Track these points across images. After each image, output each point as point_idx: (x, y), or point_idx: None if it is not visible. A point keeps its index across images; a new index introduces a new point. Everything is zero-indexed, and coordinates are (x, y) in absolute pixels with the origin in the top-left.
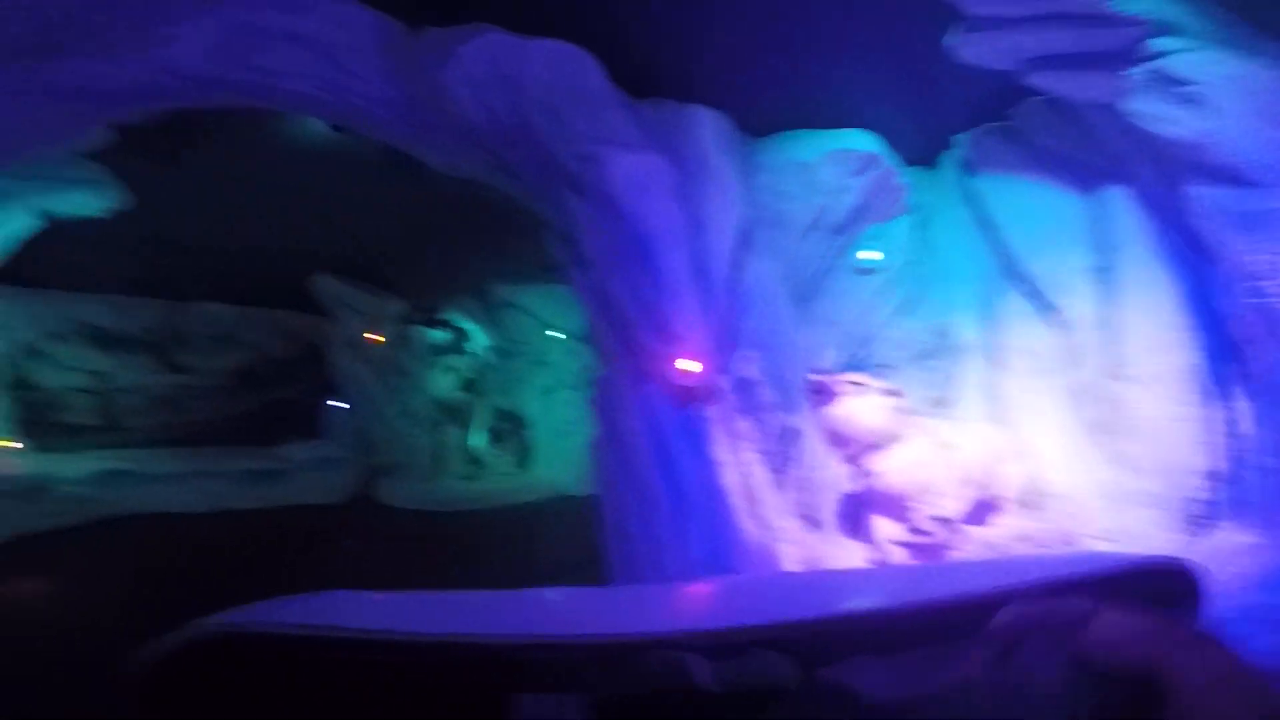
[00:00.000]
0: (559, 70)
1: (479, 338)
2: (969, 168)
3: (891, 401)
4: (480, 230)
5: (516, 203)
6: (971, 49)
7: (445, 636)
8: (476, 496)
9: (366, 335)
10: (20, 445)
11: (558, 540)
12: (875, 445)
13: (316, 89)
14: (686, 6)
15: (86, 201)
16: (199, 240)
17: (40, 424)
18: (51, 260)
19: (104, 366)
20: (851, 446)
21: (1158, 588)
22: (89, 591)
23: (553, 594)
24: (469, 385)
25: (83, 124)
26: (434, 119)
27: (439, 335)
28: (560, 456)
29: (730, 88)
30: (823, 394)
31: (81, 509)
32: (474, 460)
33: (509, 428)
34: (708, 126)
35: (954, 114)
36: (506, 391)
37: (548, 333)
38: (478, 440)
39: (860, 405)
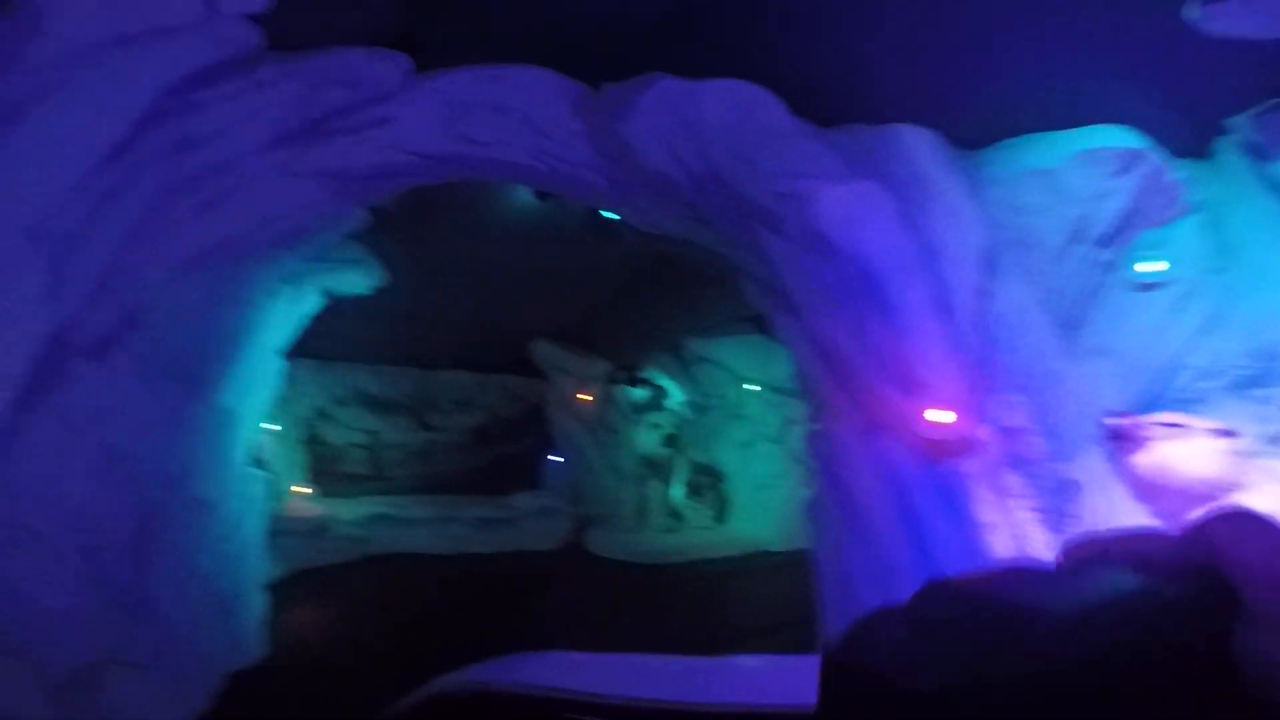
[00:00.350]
0: (739, 110)
1: (675, 394)
2: (1259, 152)
3: (1225, 444)
4: (673, 287)
5: (710, 255)
6: (1219, 21)
7: (656, 703)
8: (676, 549)
9: (578, 395)
10: (310, 491)
11: (756, 597)
12: (1207, 496)
13: (524, 157)
14: (857, 22)
15: (357, 280)
16: (441, 313)
17: (326, 473)
18: (333, 335)
19: (374, 426)
20: (1171, 500)
21: None
22: (358, 618)
23: (753, 662)
24: (670, 440)
25: (345, 204)
26: (626, 175)
27: (639, 393)
28: (758, 511)
29: (928, 101)
30: (1128, 440)
31: (354, 547)
32: (673, 513)
33: (707, 481)
34: (920, 143)
35: (1220, 94)
36: (703, 446)
37: (744, 386)
38: (677, 494)
39: (1183, 450)
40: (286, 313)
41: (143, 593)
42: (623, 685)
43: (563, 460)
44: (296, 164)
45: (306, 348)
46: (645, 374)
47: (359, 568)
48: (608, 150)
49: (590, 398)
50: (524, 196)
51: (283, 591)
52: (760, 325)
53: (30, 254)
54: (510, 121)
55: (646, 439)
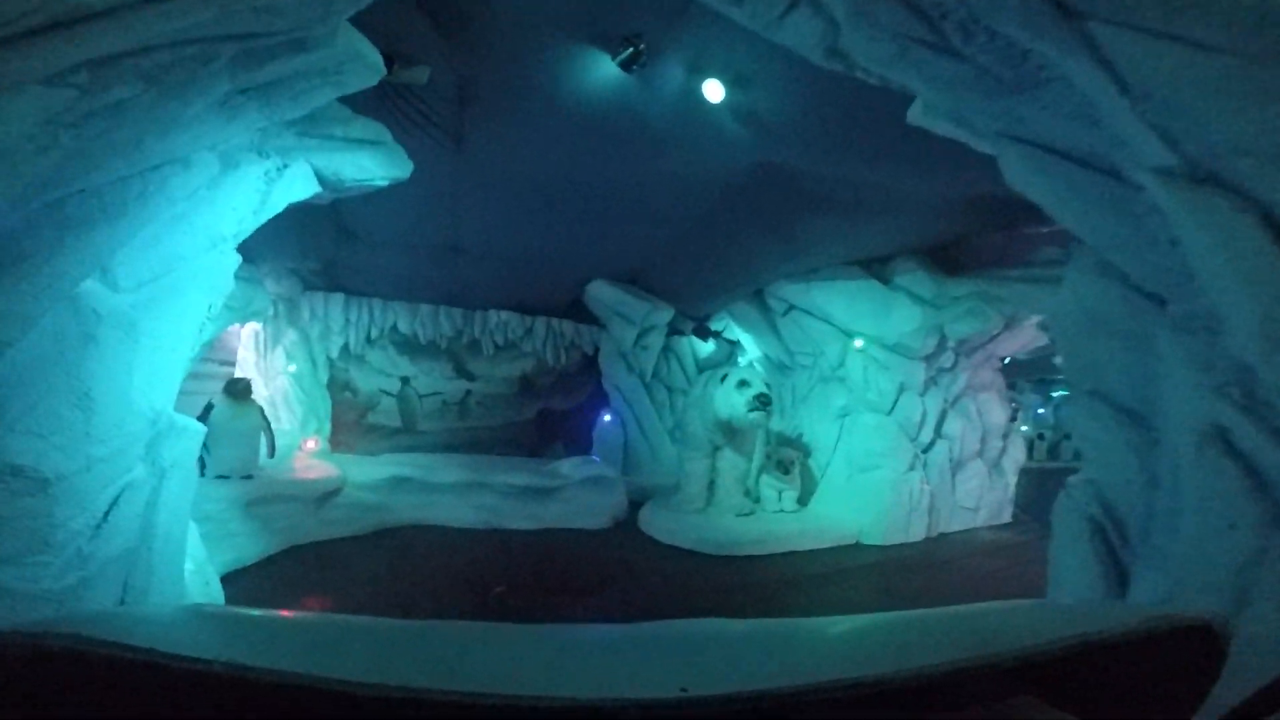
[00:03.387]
0: None
1: (752, 349)
2: None
3: None
4: (769, 215)
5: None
6: None
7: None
8: (753, 538)
9: (638, 346)
10: (316, 446)
11: (849, 601)
12: None
13: None
14: None
15: (371, 165)
16: (483, 229)
17: (353, 425)
18: (364, 266)
19: (408, 371)
20: None
21: (1182, 649)
22: (362, 609)
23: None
24: (762, 402)
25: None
26: None
27: (707, 347)
28: (854, 496)
29: None
30: None
31: (367, 517)
32: (749, 494)
33: (790, 456)
34: None
35: None
36: (788, 413)
37: (849, 340)
38: (755, 471)
39: None
40: (259, 194)
41: None
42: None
43: (613, 420)
44: None
45: (335, 279)
46: (717, 324)
47: (369, 544)
48: None
49: (650, 349)
50: (604, 67)
51: (268, 574)
52: (871, 268)
53: None
54: None
55: (729, 400)
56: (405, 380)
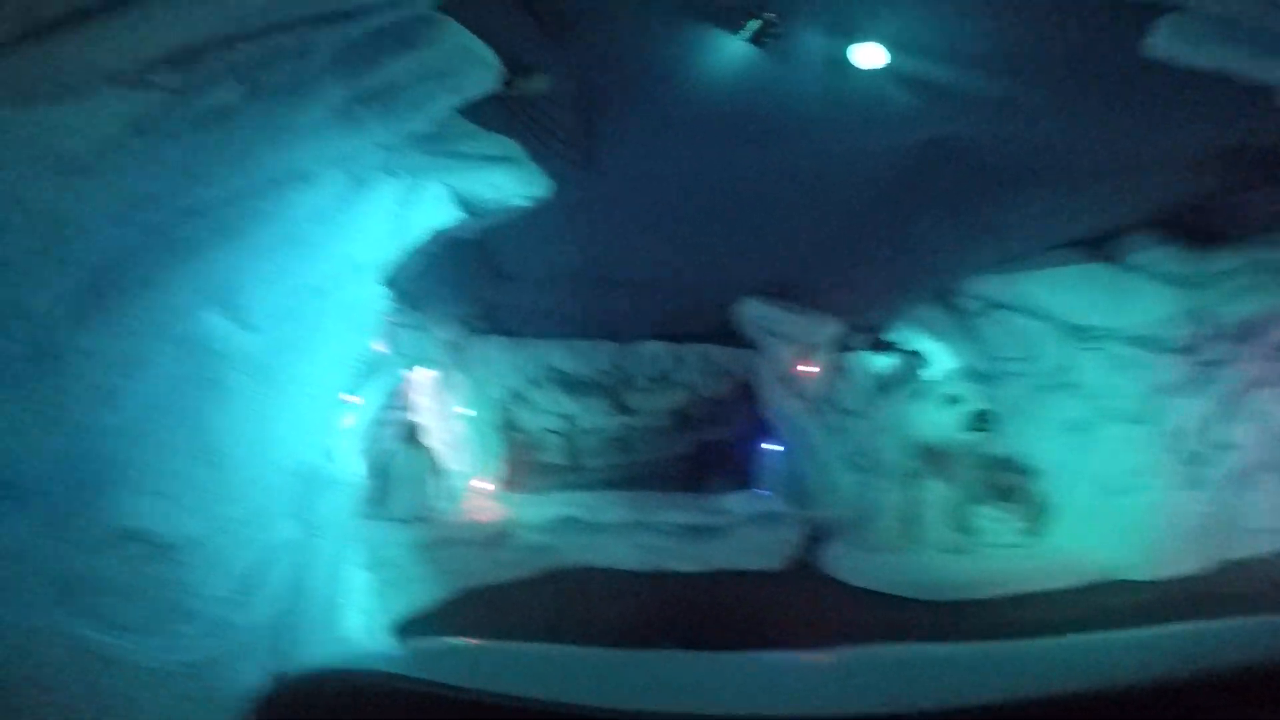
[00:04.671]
0: None
1: (943, 359)
2: None
3: None
4: (954, 199)
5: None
6: None
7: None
8: (966, 578)
9: (799, 367)
10: (492, 488)
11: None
12: None
13: None
14: None
15: (507, 184)
16: (627, 255)
17: (523, 464)
18: (519, 308)
19: (570, 409)
20: None
21: None
22: None
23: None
24: (981, 420)
25: None
26: None
27: (884, 361)
28: (1108, 523)
29: None
30: None
31: (536, 559)
32: (963, 526)
33: (1009, 481)
34: None
35: None
36: (1005, 430)
37: (1078, 339)
38: (971, 499)
39: None
40: (395, 217)
41: None
42: (534, 683)
43: (781, 450)
44: None
45: (496, 322)
46: (894, 334)
47: (539, 587)
48: None
49: (816, 369)
50: (731, 48)
51: (443, 622)
52: (1098, 248)
53: None
54: None
55: (934, 419)
56: (568, 418)
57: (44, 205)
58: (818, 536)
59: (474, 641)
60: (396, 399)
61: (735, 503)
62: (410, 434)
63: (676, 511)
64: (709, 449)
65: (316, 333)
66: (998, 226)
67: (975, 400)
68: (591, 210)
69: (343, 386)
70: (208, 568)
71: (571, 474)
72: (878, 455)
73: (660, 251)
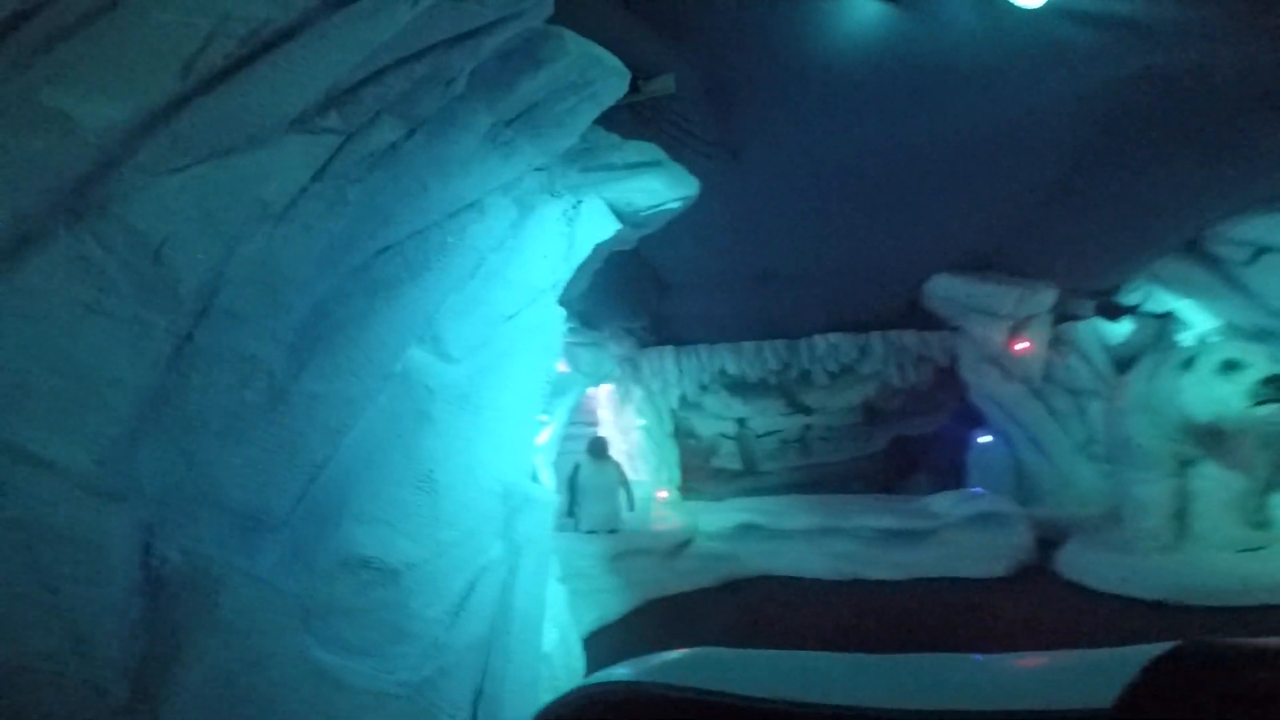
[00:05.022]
0: None
1: (1197, 320)
2: None
3: None
4: (1169, 145)
5: None
6: None
7: (839, 709)
8: (1256, 580)
9: (1012, 344)
10: (667, 497)
11: None
12: None
13: None
14: None
15: (658, 188)
16: (799, 267)
17: (698, 470)
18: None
19: (742, 412)
20: None
21: None
22: None
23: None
24: (1273, 390)
25: None
26: None
27: (1122, 327)
28: None
29: None
30: None
31: (718, 567)
32: (1255, 520)
33: None
34: None
35: None
36: None
37: None
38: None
39: None
40: (563, 237)
41: None
42: (800, 688)
43: (993, 441)
44: None
45: (664, 333)
46: (1130, 297)
47: (721, 596)
48: None
49: (1032, 345)
50: (863, 8)
51: (630, 631)
52: None
53: None
54: None
55: (1213, 392)
56: (741, 422)
57: (258, 256)
58: (1049, 538)
59: (727, 650)
60: (581, 415)
61: (944, 503)
62: (596, 448)
63: (873, 515)
64: (907, 445)
65: (508, 358)
66: (1250, 160)
67: (1261, 364)
68: (744, 206)
69: (535, 407)
70: (425, 591)
71: (748, 479)
72: (1127, 440)
73: (825, 238)
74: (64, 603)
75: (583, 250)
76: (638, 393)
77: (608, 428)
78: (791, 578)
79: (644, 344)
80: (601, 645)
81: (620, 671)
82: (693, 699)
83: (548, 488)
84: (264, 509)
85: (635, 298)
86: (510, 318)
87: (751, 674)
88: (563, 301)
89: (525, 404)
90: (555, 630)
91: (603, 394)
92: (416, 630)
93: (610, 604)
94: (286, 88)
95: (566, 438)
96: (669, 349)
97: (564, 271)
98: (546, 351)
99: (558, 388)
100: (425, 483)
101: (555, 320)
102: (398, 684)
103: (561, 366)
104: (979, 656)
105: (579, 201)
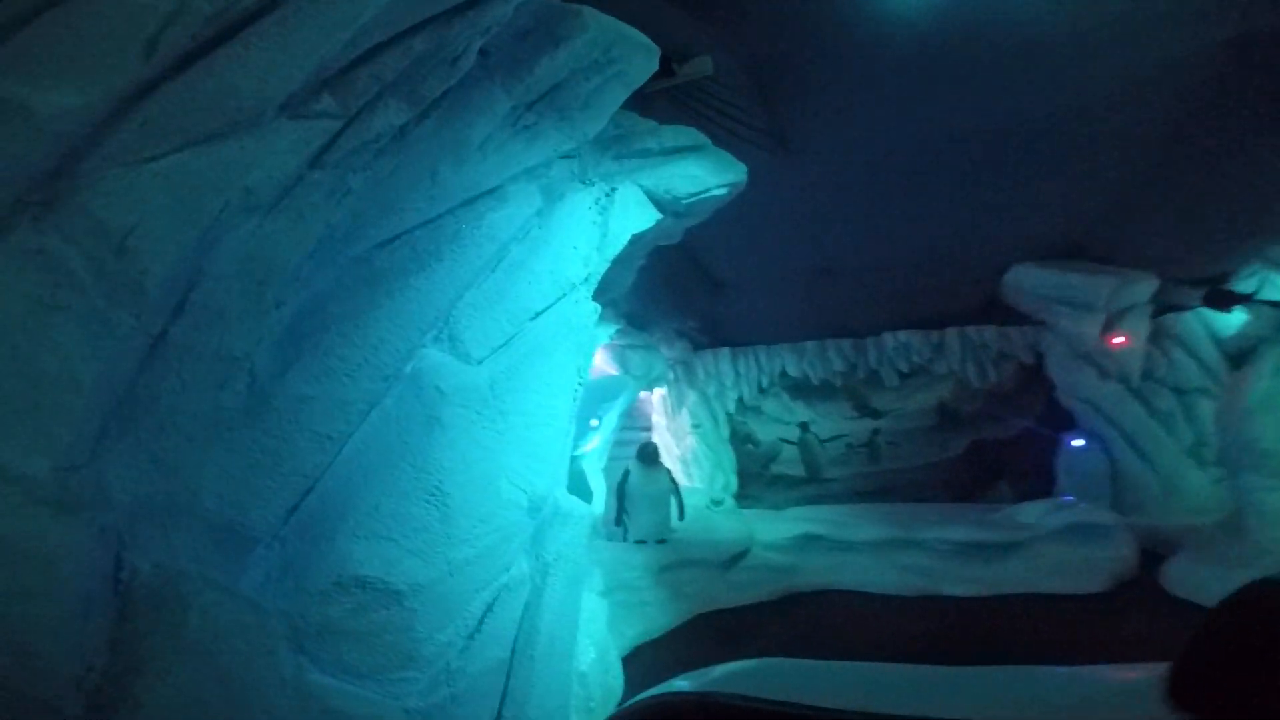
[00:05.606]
0: None
1: None
2: None
3: None
4: None
5: None
6: None
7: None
8: None
9: (1108, 339)
10: (723, 505)
11: None
12: None
13: None
14: None
15: (700, 173)
16: (862, 260)
17: (757, 478)
18: (745, 318)
19: (805, 416)
20: None
21: None
22: None
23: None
24: None
25: None
26: None
27: (1231, 319)
28: None
29: None
30: None
31: (775, 580)
32: None
33: None
34: None
35: None
36: None
37: None
38: None
39: None
40: (595, 226)
41: None
42: (871, 699)
43: (1085, 445)
44: None
45: (719, 335)
46: (1244, 285)
47: (779, 610)
48: None
49: (1129, 339)
50: None
51: (674, 648)
52: None
53: None
54: None
55: None
56: (804, 426)
57: (243, 248)
58: (1153, 551)
59: (792, 660)
60: (633, 420)
61: (1032, 513)
62: (646, 454)
63: (950, 526)
64: (986, 450)
65: (536, 357)
66: None
67: None
68: (799, 197)
69: (567, 411)
70: (435, 613)
71: (810, 487)
72: (1249, 444)
73: (891, 229)
74: (12, 618)
75: (618, 241)
76: (692, 396)
77: (661, 433)
78: (856, 592)
79: (698, 346)
80: (644, 662)
81: (680, 684)
82: (768, 710)
83: (582, 499)
84: (245, 521)
85: (687, 298)
86: (538, 314)
87: (823, 685)
88: (608, 301)
89: (555, 407)
90: (593, 648)
91: (656, 398)
92: (426, 654)
93: (656, 618)
94: (266, 70)
95: (617, 443)
96: (725, 351)
97: (597, 264)
98: (579, 350)
99: (607, 392)
100: (435, 496)
101: (588, 316)
102: (404, 711)
103: (611, 369)
104: (1068, 669)
105: (612, 189)
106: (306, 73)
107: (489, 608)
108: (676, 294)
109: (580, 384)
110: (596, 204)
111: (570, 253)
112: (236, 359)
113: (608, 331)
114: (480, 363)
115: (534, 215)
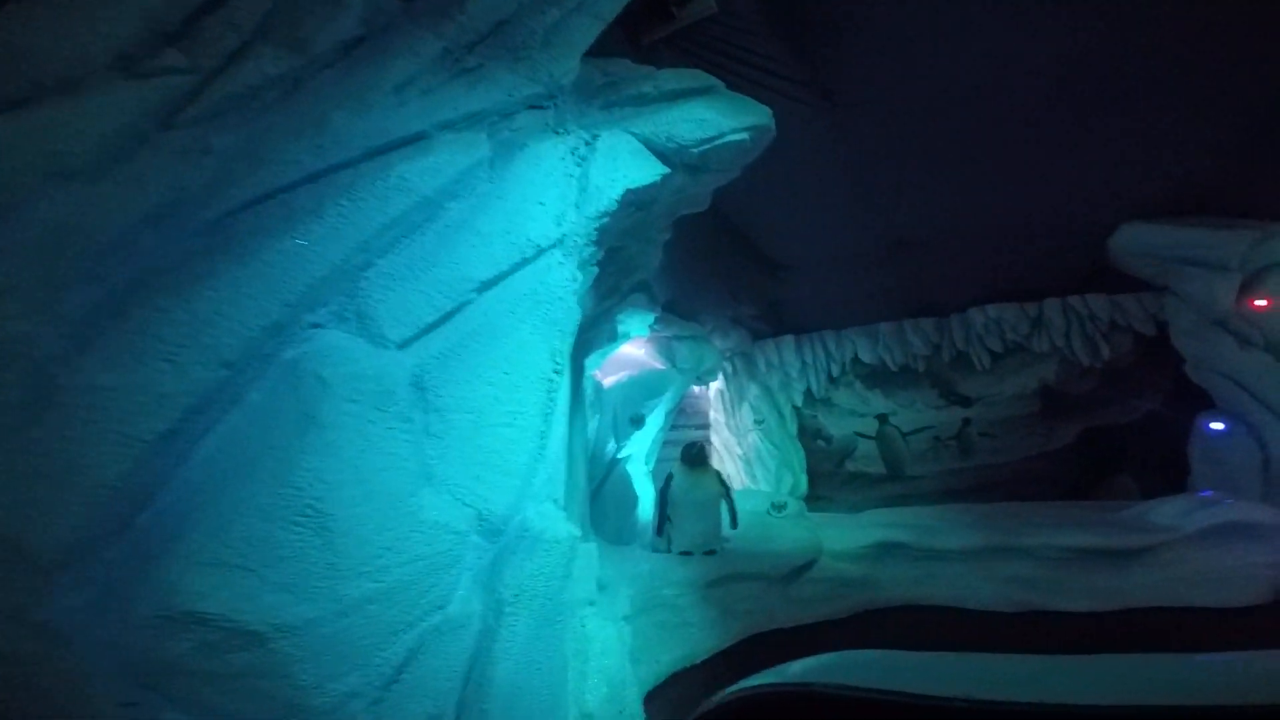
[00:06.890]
0: None
1: None
2: None
3: None
4: None
5: None
6: None
7: (1011, 706)
8: None
9: (1249, 301)
10: (788, 508)
11: None
12: None
13: None
14: None
15: (711, 117)
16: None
17: (829, 476)
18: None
19: (882, 406)
20: None
21: None
22: None
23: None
24: None
25: None
26: None
27: None
28: None
29: None
30: None
31: (849, 595)
32: None
33: None
34: None
35: None
36: None
37: None
38: None
39: None
40: (571, 179)
41: None
42: (968, 687)
43: (1227, 429)
44: None
45: (781, 321)
46: None
47: (849, 631)
48: None
49: (1273, 302)
50: None
51: (713, 675)
52: None
53: None
54: None
55: None
56: (882, 418)
57: (49, 219)
58: None
59: (884, 652)
60: (688, 417)
61: (1167, 512)
62: (691, 455)
63: (1062, 529)
64: (1102, 438)
65: (488, 338)
66: None
67: None
68: (859, 161)
69: (539, 406)
70: (329, 659)
71: (891, 485)
72: None
73: (970, 192)
74: None
75: (605, 196)
76: (753, 390)
77: (720, 430)
78: (946, 608)
79: (757, 335)
80: (677, 692)
81: (765, 679)
82: (881, 701)
83: (568, 519)
84: (29, 539)
85: (740, 283)
86: (486, 284)
87: (931, 675)
88: (637, 284)
89: (519, 402)
90: (604, 684)
91: (712, 392)
92: (319, 705)
93: (700, 641)
94: (76, 27)
95: (669, 443)
96: (788, 339)
97: (576, 223)
98: (553, 329)
99: (652, 387)
100: (309, 516)
101: (564, 286)
102: None
103: (657, 364)
104: (1194, 656)
105: (594, 136)
106: (135, 26)
107: (412, 654)
108: (727, 279)
109: (557, 371)
110: (573, 154)
111: (535, 209)
112: (19, 344)
113: (645, 321)
114: (402, 346)
115: (477, 167)
